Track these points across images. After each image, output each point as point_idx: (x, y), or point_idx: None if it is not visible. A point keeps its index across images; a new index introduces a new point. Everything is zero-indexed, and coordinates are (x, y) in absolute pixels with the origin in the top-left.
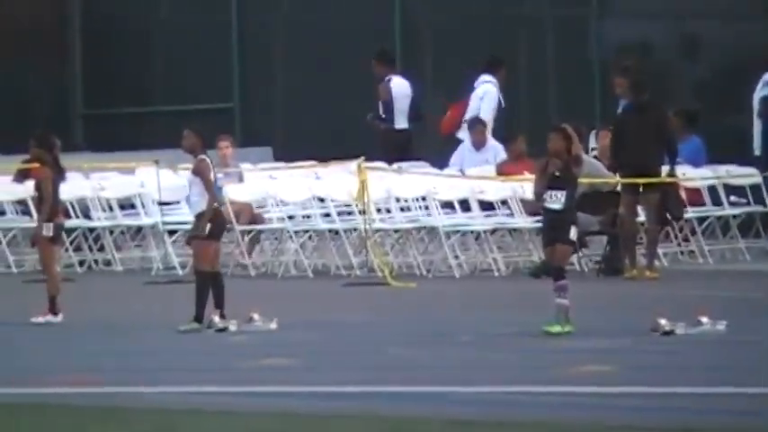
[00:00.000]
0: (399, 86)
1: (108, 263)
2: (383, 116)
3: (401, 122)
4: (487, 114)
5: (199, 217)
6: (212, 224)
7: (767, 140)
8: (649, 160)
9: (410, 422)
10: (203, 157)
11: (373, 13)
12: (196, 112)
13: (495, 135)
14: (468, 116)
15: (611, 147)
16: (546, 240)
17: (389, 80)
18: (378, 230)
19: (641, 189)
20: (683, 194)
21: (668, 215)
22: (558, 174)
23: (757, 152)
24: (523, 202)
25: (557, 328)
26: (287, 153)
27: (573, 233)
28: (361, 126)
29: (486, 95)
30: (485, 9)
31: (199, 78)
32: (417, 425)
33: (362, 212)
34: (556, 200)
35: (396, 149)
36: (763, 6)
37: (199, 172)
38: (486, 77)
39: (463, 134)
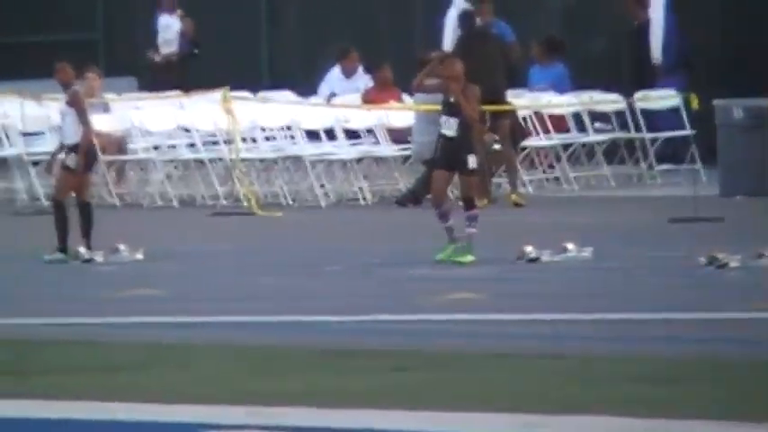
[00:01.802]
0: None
1: None
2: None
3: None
4: None
5: (74, 148)
6: (85, 156)
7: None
8: (495, 87)
9: (278, 351)
10: (77, 88)
11: None
12: (60, 42)
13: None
14: None
15: None
16: (437, 164)
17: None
18: (243, 160)
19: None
20: (526, 122)
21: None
22: (452, 100)
23: None
24: (389, 130)
25: (469, 258)
26: (151, 84)
27: (472, 161)
28: (224, 56)
29: None
30: None
31: (63, 9)
32: (288, 354)
33: (228, 142)
34: (449, 126)
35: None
36: None
37: (74, 103)
38: None
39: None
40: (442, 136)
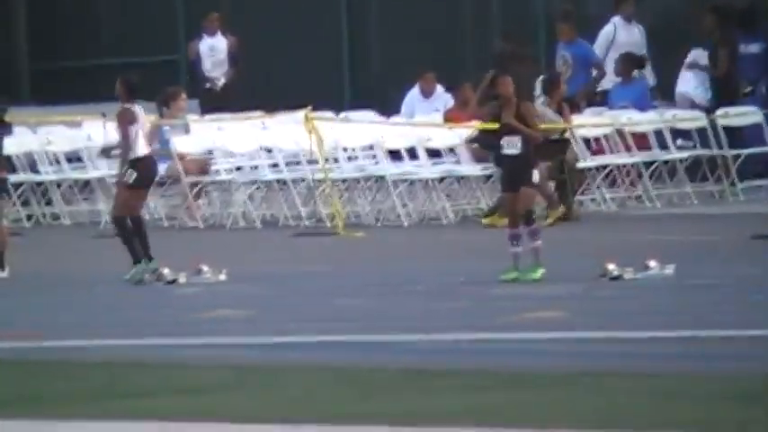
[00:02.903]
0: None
1: (56, 217)
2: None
3: None
4: None
5: (132, 164)
6: (139, 173)
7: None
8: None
9: (364, 371)
10: (126, 106)
11: None
12: (142, 64)
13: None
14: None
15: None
16: (505, 186)
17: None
18: (326, 180)
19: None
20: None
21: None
22: (508, 121)
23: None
24: (472, 149)
25: (540, 272)
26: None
27: (535, 176)
28: (307, 76)
29: None
30: None
31: (144, 30)
32: (371, 374)
33: (310, 162)
34: (512, 145)
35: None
36: None
37: (118, 121)
38: None
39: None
40: (505, 157)
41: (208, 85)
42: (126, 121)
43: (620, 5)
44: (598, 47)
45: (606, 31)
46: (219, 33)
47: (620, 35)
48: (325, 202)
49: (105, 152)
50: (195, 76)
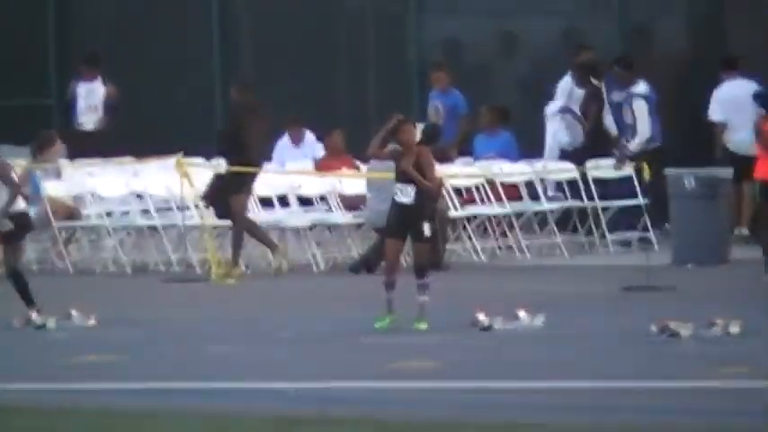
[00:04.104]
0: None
1: None
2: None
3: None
4: None
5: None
6: (15, 224)
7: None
8: None
9: (230, 419)
10: (2, 160)
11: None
12: (11, 107)
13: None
14: None
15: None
16: (390, 232)
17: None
18: (195, 227)
19: None
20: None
21: None
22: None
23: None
24: (342, 197)
25: (423, 326)
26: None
27: (427, 229)
28: (177, 122)
29: None
30: (302, 4)
31: (15, 73)
32: (239, 422)
33: (180, 208)
34: (405, 194)
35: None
36: (586, 3)
37: (1, 174)
38: None
39: None
40: (396, 204)
41: (79, 127)
42: (9, 170)
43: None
44: (558, 100)
45: (563, 83)
46: (99, 80)
47: (577, 89)
48: (196, 248)
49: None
50: (68, 119)
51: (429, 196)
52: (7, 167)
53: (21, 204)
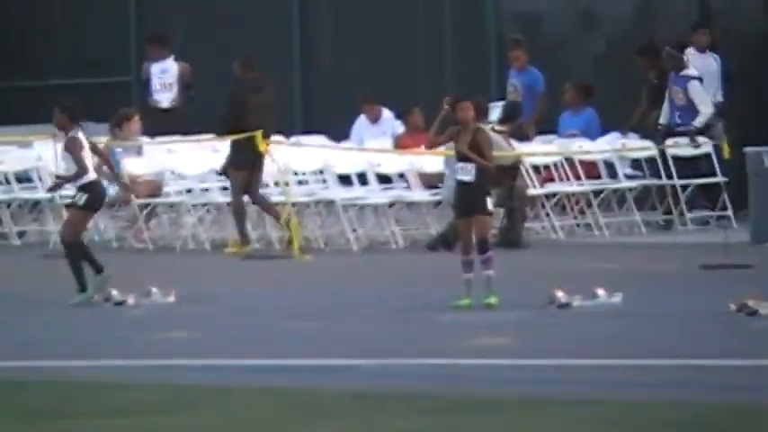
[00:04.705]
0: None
1: (5, 236)
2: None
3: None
4: None
5: (82, 188)
6: (89, 196)
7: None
8: None
9: (310, 394)
10: (73, 135)
11: None
12: (93, 85)
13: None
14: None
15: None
16: (459, 212)
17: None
18: (276, 204)
19: None
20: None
21: None
22: (462, 149)
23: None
24: (420, 175)
25: (492, 299)
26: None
27: (489, 204)
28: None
29: None
30: None
31: (97, 51)
32: (316, 397)
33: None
34: (467, 171)
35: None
36: None
37: (70, 150)
38: None
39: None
40: (459, 183)
41: (155, 105)
42: (78, 148)
43: (695, 36)
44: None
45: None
46: (171, 58)
47: (696, 65)
48: (275, 225)
49: (57, 186)
50: (145, 97)
51: (488, 174)
52: (74, 144)
53: (91, 175)
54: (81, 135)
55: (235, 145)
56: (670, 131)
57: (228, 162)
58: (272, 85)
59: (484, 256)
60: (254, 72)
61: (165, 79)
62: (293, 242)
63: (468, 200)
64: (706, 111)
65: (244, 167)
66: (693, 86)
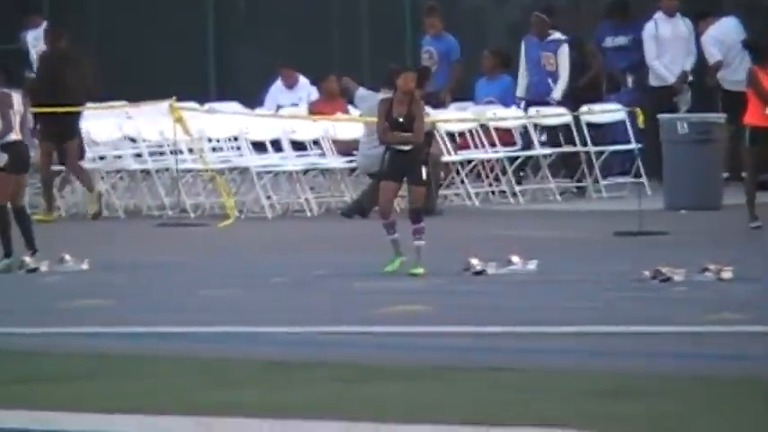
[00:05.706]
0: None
1: None
2: None
3: None
4: None
5: (3, 148)
6: (11, 157)
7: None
8: None
9: (224, 362)
10: (5, 90)
11: None
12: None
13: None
14: None
15: None
16: (387, 175)
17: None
18: (189, 171)
19: None
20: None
21: None
22: (401, 119)
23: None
24: (335, 142)
25: (420, 270)
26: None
27: (424, 173)
28: (170, 67)
29: None
30: None
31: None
32: (230, 365)
33: (174, 153)
34: None
35: None
36: None
37: None
38: None
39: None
40: (392, 149)
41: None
42: (5, 104)
43: (663, 1)
44: (645, 45)
45: (648, 28)
46: (44, 25)
47: (665, 30)
48: (189, 193)
49: None
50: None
51: (422, 144)
52: (3, 100)
53: (16, 135)
54: (14, 95)
55: (42, 116)
56: (531, 102)
57: (38, 133)
58: (84, 55)
59: (416, 226)
60: (63, 42)
61: (40, 47)
62: (227, 203)
63: (402, 168)
64: (565, 77)
65: (51, 138)
66: (563, 52)
